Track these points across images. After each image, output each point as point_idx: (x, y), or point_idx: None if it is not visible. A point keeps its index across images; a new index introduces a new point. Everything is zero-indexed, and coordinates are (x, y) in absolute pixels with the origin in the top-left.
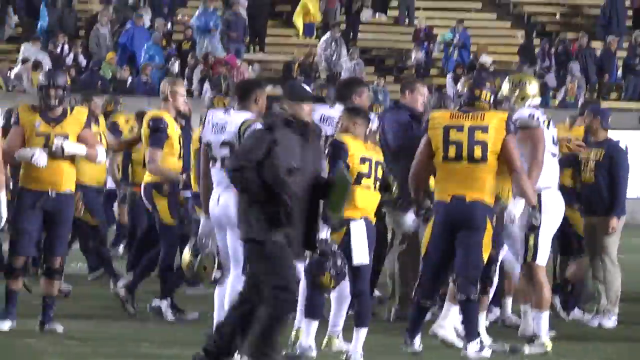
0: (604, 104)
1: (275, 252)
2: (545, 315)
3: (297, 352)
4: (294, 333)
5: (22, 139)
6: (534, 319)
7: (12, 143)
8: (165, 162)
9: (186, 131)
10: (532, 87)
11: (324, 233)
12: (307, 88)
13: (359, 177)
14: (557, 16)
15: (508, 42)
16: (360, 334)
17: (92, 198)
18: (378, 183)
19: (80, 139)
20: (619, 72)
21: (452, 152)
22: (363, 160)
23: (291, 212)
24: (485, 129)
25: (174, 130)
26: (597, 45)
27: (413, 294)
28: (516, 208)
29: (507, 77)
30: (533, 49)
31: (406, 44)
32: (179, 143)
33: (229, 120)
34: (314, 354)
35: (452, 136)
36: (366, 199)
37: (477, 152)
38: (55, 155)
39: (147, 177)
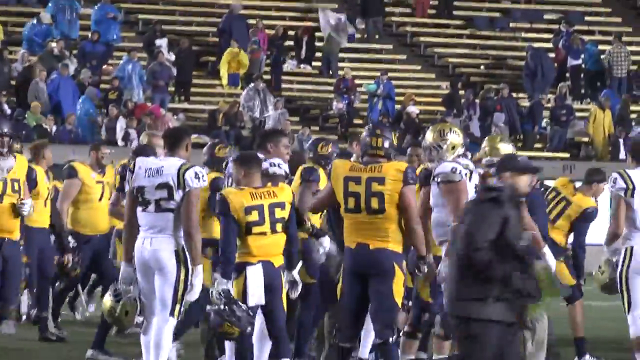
0: (530, 154)
1: (481, 333)
2: None
3: None
4: None
5: None
6: None
7: None
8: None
9: None
10: (460, 136)
11: (224, 284)
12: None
13: (249, 227)
14: (482, 67)
15: (433, 92)
16: None
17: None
18: (280, 224)
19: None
20: (543, 123)
21: (351, 203)
22: (249, 210)
23: (518, 291)
24: (381, 181)
25: None
26: (521, 96)
27: (333, 338)
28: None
29: (431, 127)
30: (458, 99)
31: (330, 94)
32: None
33: (165, 164)
34: None
35: (350, 188)
36: (261, 244)
37: (374, 203)
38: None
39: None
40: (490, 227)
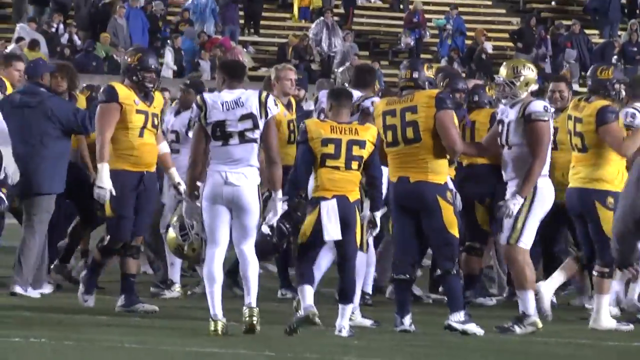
0: None
1: None
2: (531, 294)
3: (302, 314)
4: (294, 304)
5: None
6: (519, 299)
7: (113, 120)
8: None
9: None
10: (534, 73)
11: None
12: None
13: (323, 159)
14: (553, 3)
15: (503, 28)
16: (346, 310)
17: None
18: (356, 162)
19: None
20: (613, 60)
21: (389, 137)
22: (326, 142)
23: None
24: (414, 109)
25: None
26: (591, 32)
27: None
28: (516, 204)
29: (505, 64)
30: (530, 35)
31: (400, 28)
32: (288, 128)
33: (242, 95)
34: (315, 310)
35: (387, 121)
36: (333, 178)
37: (410, 133)
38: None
39: None
40: None
